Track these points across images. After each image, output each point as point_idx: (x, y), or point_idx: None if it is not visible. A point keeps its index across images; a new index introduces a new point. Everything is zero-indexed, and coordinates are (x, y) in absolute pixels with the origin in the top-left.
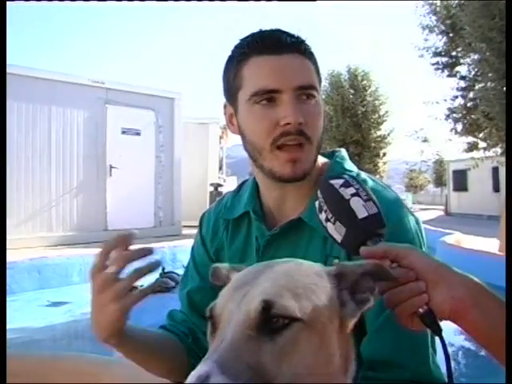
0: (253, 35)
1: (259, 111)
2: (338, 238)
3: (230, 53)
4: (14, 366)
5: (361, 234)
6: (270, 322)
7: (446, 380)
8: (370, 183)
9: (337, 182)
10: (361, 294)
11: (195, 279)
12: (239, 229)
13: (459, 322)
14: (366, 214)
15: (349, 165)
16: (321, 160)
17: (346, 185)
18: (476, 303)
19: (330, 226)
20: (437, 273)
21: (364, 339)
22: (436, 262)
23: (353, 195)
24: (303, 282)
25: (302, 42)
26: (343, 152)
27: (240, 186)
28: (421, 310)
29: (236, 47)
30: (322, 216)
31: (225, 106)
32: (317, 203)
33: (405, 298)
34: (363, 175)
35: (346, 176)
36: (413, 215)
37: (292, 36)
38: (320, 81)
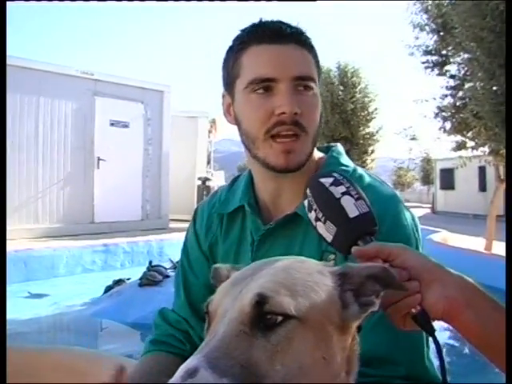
0: (253, 25)
1: (255, 100)
2: (329, 237)
3: (225, 52)
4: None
5: (352, 234)
6: (264, 318)
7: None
8: (367, 179)
9: (326, 181)
10: (365, 296)
11: (189, 275)
12: (234, 223)
13: (452, 322)
14: (357, 213)
15: (345, 160)
16: (317, 155)
17: (336, 183)
18: (469, 303)
19: (320, 225)
20: (430, 272)
21: (359, 335)
22: (430, 262)
23: (343, 194)
24: (303, 279)
25: (302, 33)
26: (339, 147)
27: (234, 180)
28: (414, 311)
29: (236, 37)
30: (312, 215)
31: (223, 96)
32: (306, 202)
33: (398, 299)
34: (360, 171)
35: (335, 174)
36: (409, 211)
37: (292, 27)
38: (319, 74)
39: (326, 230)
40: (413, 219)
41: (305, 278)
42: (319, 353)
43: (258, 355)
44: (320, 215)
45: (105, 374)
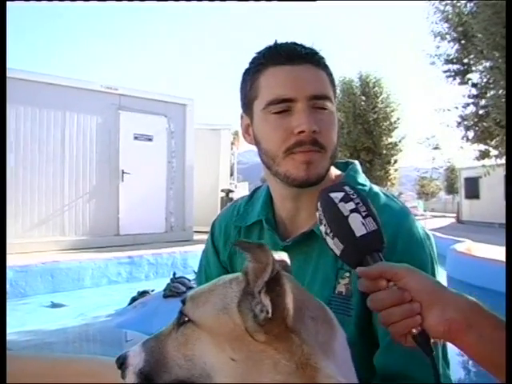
0: (269, 47)
1: (274, 120)
2: (337, 252)
3: (246, 65)
4: (28, 367)
5: (359, 251)
6: (182, 316)
7: None
8: (383, 198)
9: (336, 196)
10: (258, 304)
11: None
12: (251, 236)
13: (454, 342)
14: (364, 232)
15: (362, 178)
16: (334, 172)
17: (346, 199)
18: (470, 324)
19: (329, 239)
20: (431, 295)
21: (377, 352)
22: (432, 284)
23: (352, 211)
24: (214, 290)
25: (316, 53)
26: (357, 165)
27: (253, 193)
28: (414, 331)
29: (252, 60)
30: (322, 228)
31: (241, 117)
32: (317, 214)
33: (398, 319)
34: (375, 189)
35: (346, 188)
36: (421, 227)
37: (306, 48)
38: (335, 92)
39: (335, 245)
40: (427, 236)
41: (215, 290)
42: (224, 354)
43: (169, 342)
44: (328, 231)
45: None
